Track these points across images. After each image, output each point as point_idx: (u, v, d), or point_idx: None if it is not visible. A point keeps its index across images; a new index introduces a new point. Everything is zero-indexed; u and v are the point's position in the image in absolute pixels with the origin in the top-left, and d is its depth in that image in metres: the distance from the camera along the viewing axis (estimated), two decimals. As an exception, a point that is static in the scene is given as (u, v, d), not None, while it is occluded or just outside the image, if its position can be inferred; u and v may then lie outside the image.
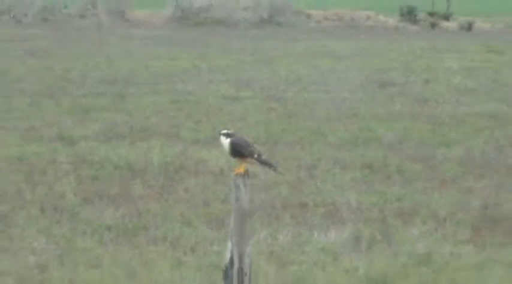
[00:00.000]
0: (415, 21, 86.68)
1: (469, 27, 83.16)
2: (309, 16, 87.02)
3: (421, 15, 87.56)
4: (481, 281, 15.47)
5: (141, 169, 24.22)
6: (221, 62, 51.10)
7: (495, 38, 73.50)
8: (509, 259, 17.08)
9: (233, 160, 11.03)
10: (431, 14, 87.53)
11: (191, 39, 65.75)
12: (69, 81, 41.72)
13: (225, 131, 11.18)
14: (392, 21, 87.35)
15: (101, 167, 24.42)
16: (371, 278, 15.71)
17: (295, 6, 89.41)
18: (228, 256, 10.49)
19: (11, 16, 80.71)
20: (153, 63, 49.75)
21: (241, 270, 10.48)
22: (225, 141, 11.08)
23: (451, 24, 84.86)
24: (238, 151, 11.02)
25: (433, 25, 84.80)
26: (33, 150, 26.30)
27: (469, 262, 16.85)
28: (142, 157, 25.65)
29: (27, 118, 31.80)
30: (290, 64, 51.01)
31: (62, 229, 18.63)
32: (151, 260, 16.60)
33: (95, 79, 42.55)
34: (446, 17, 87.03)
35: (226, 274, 10.47)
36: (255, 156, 11.17)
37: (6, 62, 49.01)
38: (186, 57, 53.30)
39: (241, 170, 10.89)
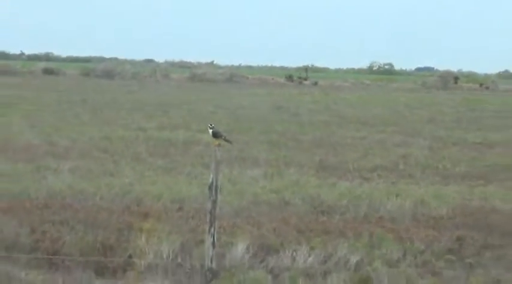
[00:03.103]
0: (292, 81, 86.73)
1: (316, 83, 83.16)
2: (247, 78, 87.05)
3: (294, 78, 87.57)
4: (318, 192, 15.40)
5: (174, 143, 24.11)
6: (208, 97, 51.08)
7: (328, 87, 73.60)
8: (331, 182, 17.05)
9: (213, 139, 10.94)
10: (299, 77, 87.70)
11: (196, 88, 65.70)
12: (144, 104, 41.55)
13: (210, 125, 11.09)
14: (282, 80, 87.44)
15: (157, 141, 24.30)
16: (272, 190, 15.60)
17: (241, 73, 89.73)
18: (210, 179, 10.40)
19: (116, 76, 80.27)
20: (179, 97, 49.80)
21: (216, 186, 10.39)
22: (210, 130, 10.98)
23: (308, 82, 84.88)
24: (216, 135, 10.94)
25: (300, 83, 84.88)
26: (127, 134, 26.17)
27: (315, 184, 16.79)
28: (175, 137, 25.53)
29: (125, 119, 31.65)
30: (238, 98, 50.99)
31: (139, 167, 18.53)
32: (178, 182, 16.50)
33: (155, 103, 42.41)
34: (306, 79, 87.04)
35: (210, 187, 10.38)
36: (223, 137, 11.09)
37: (115, 95, 48.78)
38: (193, 95, 53.32)
39: (217, 143, 10.80)
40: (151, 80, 78.23)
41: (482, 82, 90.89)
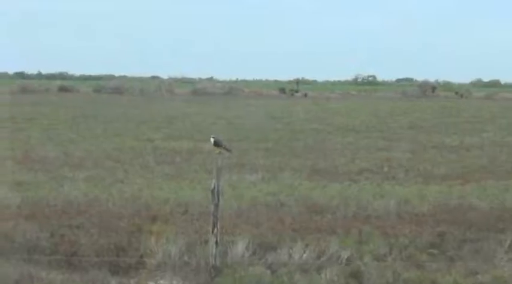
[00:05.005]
0: (284, 93, 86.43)
1: (306, 95, 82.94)
2: (243, 91, 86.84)
3: (287, 90, 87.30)
4: (311, 193, 15.39)
5: (179, 152, 24.05)
6: (208, 109, 50.84)
7: (317, 98, 73.48)
8: (322, 185, 17.01)
9: (214, 147, 10.95)
10: (290, 90, 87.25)
11: (197, 101, 65.47)
12: (150, 117, 41.48)
13: (212, 135, 11.11)
14: (276, 93, 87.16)
15: (163, 151, 24.26)
16: (269, 193, 15.58)
17: (239, 87, 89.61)
18: (212, 184, 10.39)
19: (125, 92, 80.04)
20: (182, 110, 49.51)
21: (218, 190, 10.39)
22: (212, 139, 10.99)
23: (299, 94, 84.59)
24: (217, 143, 10.94)
25: (292, 95, 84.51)
26: (136, 144, 26.15)
27: (307, 187, 16.77)
28: (179, 146, 25.49)
29: (134, 132, 31.60)
30: (236, 110, 50.77)
31: (148, 175, 18.50)
32: (184, 188, 16.48)
33: (161, 116, 42.34)
34: (297, 91, 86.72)
35: (212, 192, 10.37)
36: (223, 145, 11.09)
37: (125, 110, 48.58)
38: (195, 108, 53.07)
39: (218, 151, 10.80)
40: (157, 95, 78.07)
41: (457, 91, 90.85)
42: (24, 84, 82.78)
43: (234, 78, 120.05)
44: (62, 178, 17.64)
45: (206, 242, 10.68)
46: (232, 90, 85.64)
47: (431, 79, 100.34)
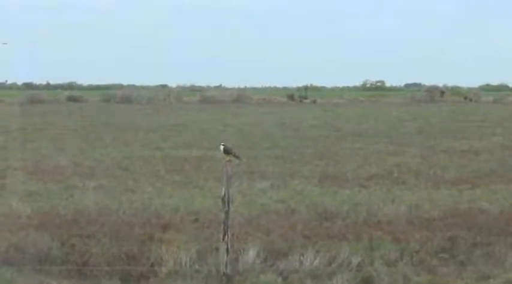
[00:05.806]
0: (293, 99, 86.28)
1: (315, 101, 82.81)
2: (252, 98, 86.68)
3: (295, 97, 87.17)
4: (321, 200, 15.36)
5: (188, 160, 24.04)
6: (217, 117, 50.76)
7: (326, 105, 73.53)
8: (332, 191, 16.99)
9: (224, 155, 10.96)
10: (299, 97, 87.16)
11: (206, 109, 65.36)
12: (159, 125, 41.46)
13: (222, 143, 11.13)
14: (284, 100, 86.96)
15: (173, 159, 24.25)
16: (279, 200, 15.57)
17: (247, 94, 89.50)
18: (222, 192, 10.40)
19: (133, 101, 79.89)
20: (191, 118, 49.44)
21: (228, 198, 10.40)
22: (221, 147, 11.01)
23: (308, 101, 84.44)
24: (227, 151, 10.96)
25: (301, 101, 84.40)
26: (146, 153, 26.14)
27: (318, 193, 16.74)
28: (189, 155, 25.49)
29: (143, 140, 31.59)
30: (245, 117, 50.72)
31: (158, 183, 18.48)
32: (194, 196, 16.47)
33: (169, 125, 42.32)
34: (305, 98, 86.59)
35: (223, 199, 10.39)
36: (233, 153, 11.11)
37: (134, 119, 48.62)
38: (204, 116, 53.00)
39: (228, 159, 10.81)
40: (165, 104, 78.08)
41: (466, 95, 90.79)
42: (33, 95, 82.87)
43: (242, 86, 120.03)
44: (72, 187, 17.66)
45: (217, 250, 10.69)
46: (241, 98, 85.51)
47: (440, 84, 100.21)
